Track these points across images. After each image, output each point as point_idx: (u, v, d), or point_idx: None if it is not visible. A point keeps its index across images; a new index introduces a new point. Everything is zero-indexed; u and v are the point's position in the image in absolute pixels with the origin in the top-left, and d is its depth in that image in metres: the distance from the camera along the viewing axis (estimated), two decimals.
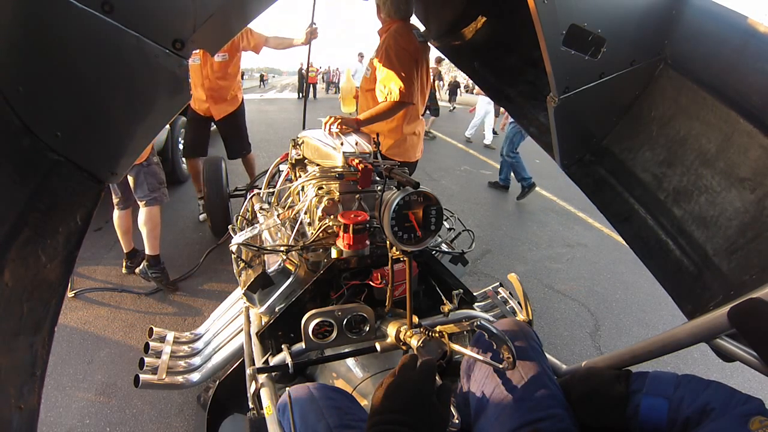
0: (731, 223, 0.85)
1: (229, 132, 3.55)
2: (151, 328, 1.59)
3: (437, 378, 0.82)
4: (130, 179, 2.48)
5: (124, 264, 2.78)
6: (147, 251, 2.57)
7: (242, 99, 3.51)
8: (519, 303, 1.38)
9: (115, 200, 2.58)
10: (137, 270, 2.63)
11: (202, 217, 3.57)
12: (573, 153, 1.16)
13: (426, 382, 0.65)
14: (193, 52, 2.78)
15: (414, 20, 2.20)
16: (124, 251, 2.75)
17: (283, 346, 1.06)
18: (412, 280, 1.01)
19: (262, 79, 28.25)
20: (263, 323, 1.16)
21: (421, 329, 0.94)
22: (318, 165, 1.62)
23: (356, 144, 1.64)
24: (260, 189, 2.14)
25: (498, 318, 1.40)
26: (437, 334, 0.92)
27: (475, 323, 0.84)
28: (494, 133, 10.69)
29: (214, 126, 3.55)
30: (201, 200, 3.54)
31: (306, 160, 1.81)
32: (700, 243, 0.90)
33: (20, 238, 0.61)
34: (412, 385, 0.64)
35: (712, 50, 0.94)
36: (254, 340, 1.15)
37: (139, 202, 2.53)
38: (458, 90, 16.51)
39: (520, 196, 5.11)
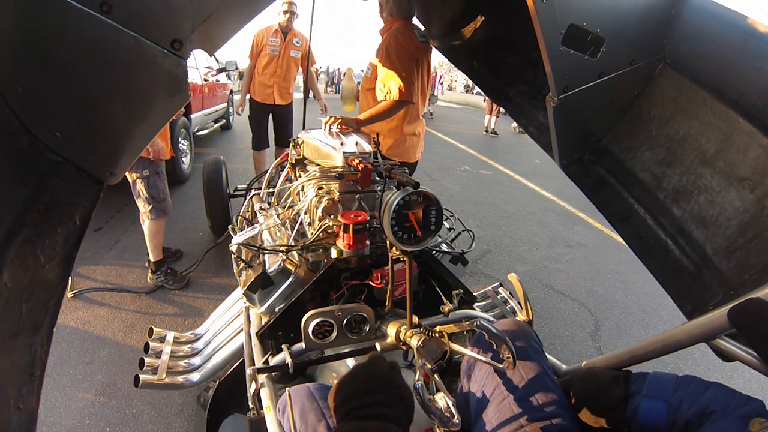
0: (731, 222, 0.85)
1: (279, 122, 4.20)
2: (151, 328, 1.59)
3: (436, 376, 0.83)
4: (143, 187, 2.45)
5: (149, 275, 2.68)
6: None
7: (293, 99, 4.19)
8: (519, 303, 1.38)
9: (147, 208, 2.47)
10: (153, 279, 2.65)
11: None
12: (572, 153, 1.16)
13: (379, 365, 0.65)
14: (272, 42, 3.14)
15: (414, 20, 2.20)
16: (153, 260, 2.65)
17: (283, 346, 1.06)
18: (412, 280, 1.01)
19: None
20: (263, 323, 1.16)
21: (421, 329, 0.94)
22: (318, 165, 1.62)
23: (356, 144, 1.64)
24: (260, 189, 2.14)
25: (498, 318, 1.40)
26: (437, 334, 0.92)
27: (475, 323, 0.84)
28: (495, 133, 10.72)
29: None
30: None
31: (306, 160, 1.81)
32: (700, 243, 0.90)
33: (19, 239, 0.61)
34: (372, 370, 0.64)
35: (712, 50, 0.94)
36: (254, 340, 1.15)
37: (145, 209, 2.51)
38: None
39: None
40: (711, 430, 0.63)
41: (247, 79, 4.03)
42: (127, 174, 2.40)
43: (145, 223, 2.55)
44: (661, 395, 0.74)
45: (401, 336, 0.99)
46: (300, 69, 4.07)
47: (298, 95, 4.26)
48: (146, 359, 1.42)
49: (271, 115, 4.16)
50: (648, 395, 0.75)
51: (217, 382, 1.34)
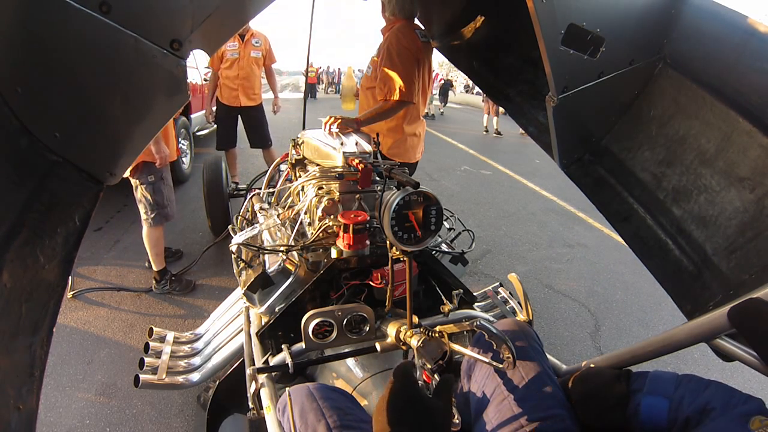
0: (730, 222, 0.85)
1: (251, 123, 4.13)
2: (151, 328, 1.59)
3: (436, 376, 0.83)
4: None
5: (154, 285, 2.65)
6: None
7: (262, 100, 4.11)
8: (519, 303, 1.38)
9: (150, 214, 2.44)
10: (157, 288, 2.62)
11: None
12: (572, 153, 1.16)
13: (405, 388, 0.65)
14: (231, 47, 3.01)
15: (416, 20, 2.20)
16: (155, 269, 2.62)
17: (283, 346, 1.06)
18: (412, 280, 1.01)
19: None
20: (263, 323, 1.16)
21: (421, 329, 0.94)
22: (318, 165, 1.62)
23: (356, 144, 1.64)
24: (260, 189, 2.14)
25: (498, 318, 1.40)
26: (437, 334, 0.92)
27: (475, 323, 0.84)
28: (499, 133, 10.71)
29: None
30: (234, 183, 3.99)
31: (306, 160, 1.81)
32: (700, 242, 0.90)
33: (19, 239, 0.61)
34: (396, 396, 0.64)
35: (712, 50, 0.94)
36: (254, 340, 1.15)
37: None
38: (450, 90, 16.45)
39: None
40: (711, 427, 0.63)
41: (212, 87, 4.03)
42: (130, 179, 2.39)
43: (144, 230, 2.50)
44: (662, 392, 0.74)
45: (401, 336, 0.99)
46: (264, 69, 4.05)
47: (266, 96, 4.18)
48: (146, 359, 1.42)
49: (240, 117, 4.11)
50: (649, 392, 0.75)
51: (217, 382, 1.34)
